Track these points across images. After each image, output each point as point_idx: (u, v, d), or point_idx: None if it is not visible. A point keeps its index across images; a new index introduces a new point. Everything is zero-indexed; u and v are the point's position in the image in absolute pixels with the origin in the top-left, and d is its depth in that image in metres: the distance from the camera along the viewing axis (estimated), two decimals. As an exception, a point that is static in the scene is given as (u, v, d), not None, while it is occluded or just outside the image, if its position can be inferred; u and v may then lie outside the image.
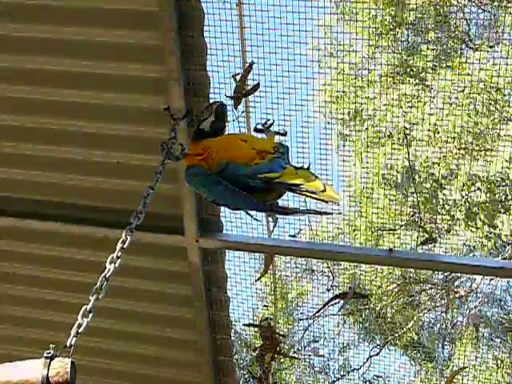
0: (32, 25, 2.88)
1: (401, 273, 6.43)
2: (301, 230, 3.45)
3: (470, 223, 5.66)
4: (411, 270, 6.42)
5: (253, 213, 2.73)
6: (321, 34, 4.40)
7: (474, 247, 5.82)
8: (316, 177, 2.44)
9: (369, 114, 5.80)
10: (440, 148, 5.49)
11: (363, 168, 5.66)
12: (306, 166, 2.54)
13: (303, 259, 6.19)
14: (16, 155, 3.24)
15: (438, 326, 6.95)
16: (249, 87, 3.01)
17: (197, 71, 2.90)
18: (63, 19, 2.84)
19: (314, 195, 2.35)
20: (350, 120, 5.94)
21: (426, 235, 3.97)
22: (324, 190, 2.35)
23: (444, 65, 5.71)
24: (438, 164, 5.56)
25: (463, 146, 5.51)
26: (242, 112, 3.05)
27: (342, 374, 7.45)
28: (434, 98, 5.51)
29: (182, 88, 2.87)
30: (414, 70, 5.73)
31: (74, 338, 1.98)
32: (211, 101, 2.93)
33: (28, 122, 3.12)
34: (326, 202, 2.37)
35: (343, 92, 5.03)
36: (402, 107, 5.63)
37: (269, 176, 2.43)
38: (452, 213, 5.67)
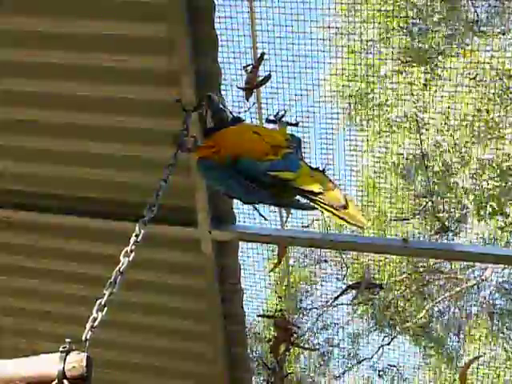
0: (39, 18, 2.86)
1: (408, 263, 6.42)
2: (314, 220, 3.44)
3: (480, 212, 5.64)
4: (421, 260, 6.41)
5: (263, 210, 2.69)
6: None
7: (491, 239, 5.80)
8: (334, 184, 2.29)
9: (378, 103, 5.77)
10: (451, 135, 5.47)
11: (373, 156, 5.64)
12: (321, 168, 2.40)
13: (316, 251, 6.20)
14: (29, 149, 3.24)
15: (449, 315, 6.93)
16: (260, 78, 3.00)
17: (208, 63, 2.88)
18: (74, 12, 2.83)
19: (335, 211, 2.17)
20: (361, 108, 5.92)
21: (440, 224, 3.95)
22: (346, 207, 2.18)
23: (454, 51, 5.68)
24: (449, 151, 5.54)
25: (475, 133, 5.48)
26: (254, 103, 3.03)
27: (353, 364, 7.46)
28: (443, 85, 5.49)
29: (194, 80, 2.85)
30: (425, 54, 5.70)
31: (90, 332, 1.97)
32: (223, 93, 2.92)
33: (40, 115, 3.11)
34: (349, 223, 2.16)
35: (354, 75, 5.00)
36: (413, 94, 5.60)
37: (283, 176, 2.34)
38: (463, 201, 5.65)
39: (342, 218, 2.16)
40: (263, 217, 2.74)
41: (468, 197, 5.66)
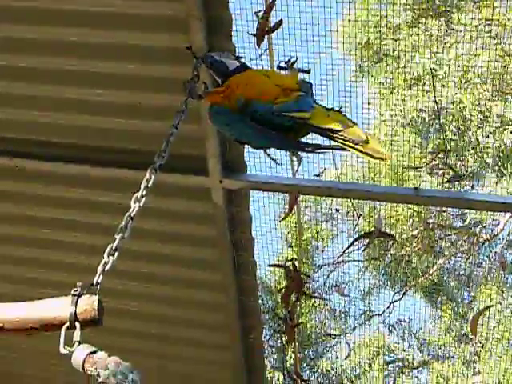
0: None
1: (424, 217, 6.39)
2: (325, 169, 3.41)
3: (500, 168, 5.59)
4: (433, 215, 6.39)
5: (274, 156, 2.67)
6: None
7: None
8: (353, 122, 2.24)
9: (392, 57, 5.69)
10: (469, 89, 5.40)
11: (389, 109, 5.58)
12: (336, 108, 2.35)
13: (327, 203, 6.18)
14: (38, 97, 3.22)
15: (461, 270, 6.93)
16: (272, 24, 2.97)
17: (219, 9, 2.84)
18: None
19: (356, 146, 2.14)
20: (376, 61, 5.84)
21: (453, 173, 3.91)
22: (367, 141, 2.13)
23: (470, 4, 5.58)
24: (466, 107, 5.47)
25: (494, 88, 5.40)
26: (265, 50, 2.99)
27: (365, 319, 7.50)
28: (460, 38, 5.40)
29: (204, 26, 2.82)
30: (440, 6, 5.60)
31: (101, 276, 1.98)
32: (233, 39, 2.89)
33: (51, 63, 3.08)
34: (373, 157, 2.12)
35: (366, 25, 4.91)
36: (430, 48, 5.52)
37: (298, 115, 2.32)
38: (481, 157, 5.59)
39: (365, 153, 2.13)
40: (274, 161, 2.71)
41: (486, 153, 5.61)
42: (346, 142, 2.16)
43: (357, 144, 2.13)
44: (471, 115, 5.54)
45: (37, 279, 3.88)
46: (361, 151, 2.13)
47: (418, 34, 5.52)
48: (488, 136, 5.56)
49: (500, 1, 5.21)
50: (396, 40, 5.40)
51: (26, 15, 2.95)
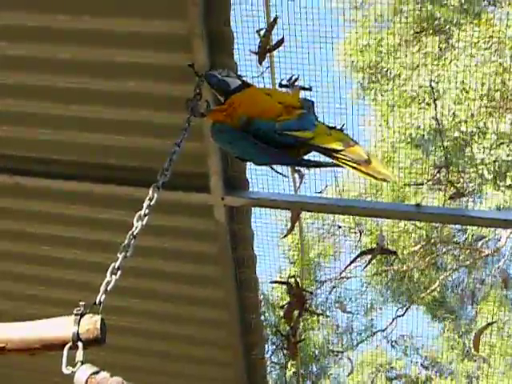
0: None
1: (426, 233, 6.40)
2: (327, 186, 3.42)
3: (498, 182, 5.60)
4: (435, 231, 6.39)
5: (278, 169, 2.68)
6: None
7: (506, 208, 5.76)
8: (354, 141, 2.22)
9: (392, 76, 5.72)
10: (468, 105, 5.42)
11: (388, 128, 5.60)
12: (338, 127, 2.35)
13: (329, 220, 6.18)
14: (38, 115, 3.22)
15: (464, 285, 6.93)
16: (273, 42, 2.98)
17: (220, 27, 2.85)
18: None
19: (360, 167, 2.10)
20: (375, 81, 5.87)
21: (454, 190, 3.91)
22: (369, 161, 2.11)
23: (469, 21, 5.61)
24: (466, 122, 5.49)
25: (491, 103, 5.43)
26: (267, 68, 3.00)
27: (368, 335, 7.48)
28: (459, 55, 5.42)
29: (206, 44, 2.83)
30: (439, 23, 5.63)
31: (103, 296, 1.98)
32: (235, 57, 2.90)
33: (51, 80, 3.09)
34: (375, 178, 2.09)
35: (367, 46, 4.96)
36: (427, 66, 5.55)
37: (301, 135, 2.31)
38: (480, 171, 5.61)
39: (367, 174, 2.10)
40: (279, 174, 2.71)
41: (484, 166, 5.62)
42: (348, 162, 2.15)
43: (359, 164, 2.11)
44: (469, 131, 5.56)
45: (37, 296, 3.88)
46: (363, 171, 2.11)
47: (419, 51, 5.55)
48: (485, 151, 5.58)
49: (500, 20, 5.23)
50: (396, 58, 5.43)
51: (25, 33, 2.96)
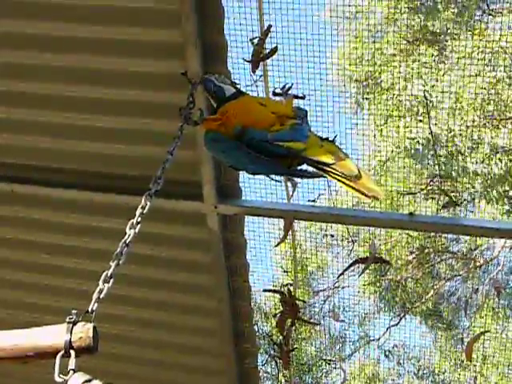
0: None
1: (419, 242, 6.41)
2: (320, 195, 3.42)
3: (489, 195, 5.61)
4: (429, 240, 6.40)
5: (273, 176, 2.68)
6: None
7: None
8: (345, 154, 2.23)
9: (386, 87, 5.74)
10: (462, 118, 5.44)
11: (383, 140, 5.62)
12: (330, 138, 2.37)
13: (322, 229, 6.19)
14: (38, 123, 3.23)
15: (458, 294, 6.93)
16: (267, 51, 2.99)
17: (214, 35, 2.86)
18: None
19: (348, 182, 2.11)
20: (369, 92, 5.89)
21: (447, 200, 3.93)
22: (359, 177, 2.11)
23: (463, 32, 5.63)
24: (460, 134, 5.51)
25: (485, 115, 5.44)
26: (260, 76, 3.01)
27: (362, 345, 7.47)
28: (453, 66, 5.45)
29: (200, 52, 2.84)
30: (433, 34, 5.66)
31: (96, 304, 1.98)
32: (229, 65, 2.91)
33: (52, 89, 3.10)
34: (365, 195, 2.08)
35: (361, 57, 4.98)
36: (421, 77, 5.57)
37: (293, 147, 2.31)
38: (473, 184, 5.62)
39: (356, 190, 2.10)
40: (274, 180, 2.70)
41: (477, 178, 5.63)
42: (338, 177, 2.14)
43: (349, 179, 2.10)
44: (463, 142, 5.58)
45: (36, 304, 3.87)
46: (353, 188, 2.10)
47: (414, 61, 5.57)
48: (477, 163, 5.59)
49: (493, 30, 5.26)
50: (390, 69, 5.45)
51: (26, 40, 2.97)
